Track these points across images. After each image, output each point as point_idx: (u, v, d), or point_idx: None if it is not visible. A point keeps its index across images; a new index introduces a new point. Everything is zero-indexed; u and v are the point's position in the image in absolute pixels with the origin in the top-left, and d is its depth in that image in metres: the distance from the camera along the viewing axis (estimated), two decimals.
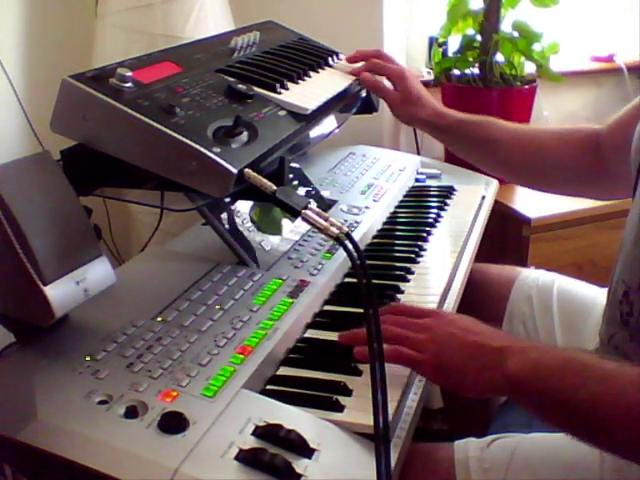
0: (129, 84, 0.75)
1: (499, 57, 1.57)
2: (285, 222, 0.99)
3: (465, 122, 1.08)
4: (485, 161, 1.13)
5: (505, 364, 0.66)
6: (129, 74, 0.75)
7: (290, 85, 0.93)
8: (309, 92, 0.94)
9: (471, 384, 0.68)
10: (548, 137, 1.07)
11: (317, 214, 0.70)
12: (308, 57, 1.05)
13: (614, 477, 0.72)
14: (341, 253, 0.90)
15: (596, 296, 1.03)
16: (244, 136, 0.77)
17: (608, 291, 0.86)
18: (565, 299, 1.06)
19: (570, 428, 0.65)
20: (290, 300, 0.79)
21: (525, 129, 1.12)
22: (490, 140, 1.08)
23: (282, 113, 0.86)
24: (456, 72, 1.62)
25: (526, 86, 1.58)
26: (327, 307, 0.85)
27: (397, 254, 1.00)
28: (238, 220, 0.92)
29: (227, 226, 0.88)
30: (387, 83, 1.13)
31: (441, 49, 1.67)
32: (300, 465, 0.56)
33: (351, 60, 1.12)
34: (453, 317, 0.75)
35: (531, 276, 1.11)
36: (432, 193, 1.24)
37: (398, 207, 1.18)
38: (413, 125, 1.15)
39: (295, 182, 1.08)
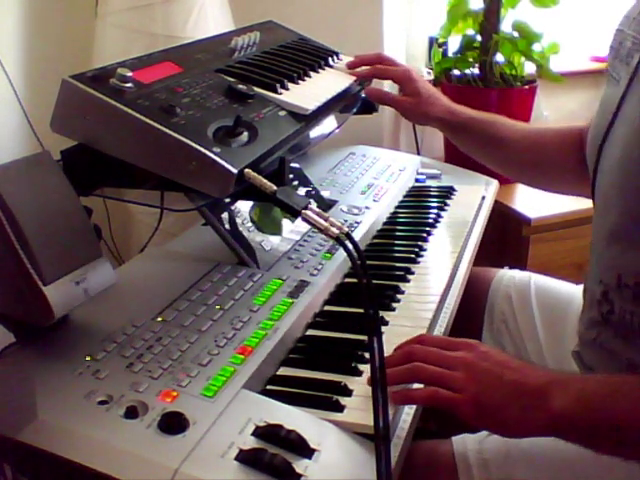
0: (129, 84, 0.75)
1: (499, 57, 1.57)
2: (285, 222, 0.99)
3: (475, 120, 1.09)
4: (492, 159, 1.13)
5: (549, 403, 0.63)
6: (129, 74, 0.75)
7: (290, 85, 0.93)
8: (309, 92, 0.94)
9: (514, 426, 0.65)
10: (550, 136, 1.07)
11: (317, 214, 0.70)
12: (308, 57, 1.05)
13: (610, 463, 0.71)
14: (341, 253, 0.90)
15: (573, 292, 1.04)
16: (244, 136, 0.77)
17: (583, 293, 0.86)
18: (543, 296, 1.06)
19: (632, 456, 0.64)
20: (290, 300, 0.79)
21: (530, 128, 1.12)
22: (498, 139, 1.08)
23: (282, 113, 0.86)
24: (456, 72, 1.63)
25: (526, 86, 1.58)
26: (327, 307, 0.85)
27: (397, 254, 1.00)
28: (238, 220, 0.92)
29: (227, 226, 0.88)
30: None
31: (441, 49, 1.67)
32: (300, 465, 0.56)
33: (352, 66, 1.11)
34: (486, 349, 0.70)
35: (507, 275, 1.11)
36: (432, 193, 1.24)
37: (398, 207, 1.18)
38: (426, 124, 1.15)
39: (295, 182, 1.08)
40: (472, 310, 1.09)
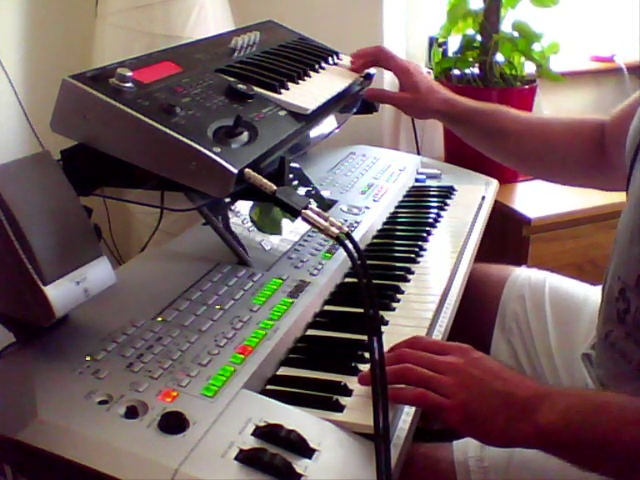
0: (129, 84, 0.75)
1: (499, 57, 1.57)
2: (285, 222, 0.99)
3: (477, 111, 1.09)
4: (495, 151, 1.13)
5: (535, 417, 0.63)
6: (129, 74, 0.75)
7: (290, 85, 0.93)
8: (309, 92, 0.94)
9: (499, 436, 0.64)
10: (557, 128, 1.06)
11: (317, 214, 0.70)
12: (308, 57, 1.05)
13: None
14: (341, 253, 0.90)
15: (587, 294, 1.03)
16: (244, 136, 0.77)
17: (603, 288, 0.86)
18: (557, 297, 1.06)
19: (612, 473, 0.63)
20: (290, 300, 0.79)
21: (535, 120, 1.12)
22: (500, 130, 1.08)
23: (282, 113, 0.86)
24: (456, 72, 1.63)
25: (526, 86, 1.58)
26: (327, 307, 0.85)
27: (397, 254, 1.00)
28: (238, 220, 0.92)
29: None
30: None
31: (441, 49, 1.67)
32: (300, 465, 0.56)
33: (353, 64, 1.12)
34: (478, 356, 0.69)
35: (523, 275, 1.11)
36: (432, 193, 1.24)
37: (398, 207, 1.18)
38: (427, 117, 1.16)
39: (295, 182, 1.08)
40: (485, 307, 1.09)
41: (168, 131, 0.71)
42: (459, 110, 1.08)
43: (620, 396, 0.66)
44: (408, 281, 0.91)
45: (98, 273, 0.67)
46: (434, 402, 0.65)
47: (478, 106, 1.09)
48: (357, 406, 0.65)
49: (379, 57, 1.11)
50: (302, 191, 1.08)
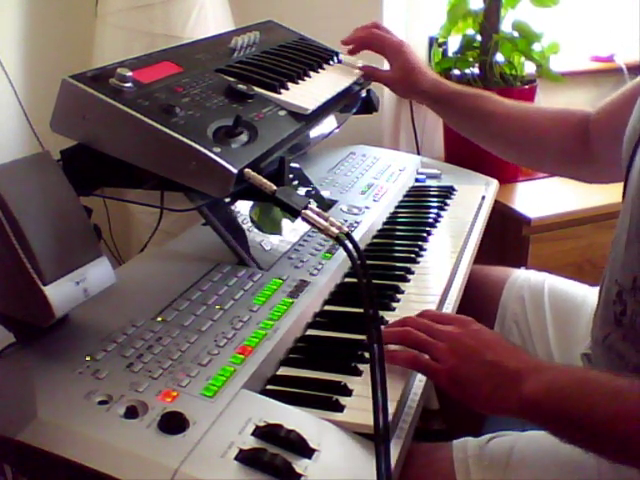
0: (129, 84, 0.75)
1: (499, 57, 1.57)
2: (285, 222, 0.99)
3: (461, 94, 1.10)
4: (477, 134, 1.14)
5: (521, 386, 0.65)
6: (129, 74, 0.75)
7: (290, 85, 0.93)
8: (309, 92, 0.94)
9: (485, 401, 0.67)
10: (542, 117, 1.07)
11: (317, 214, 0.70)
12: (308, 57, 1.05)
13: (611, 472, 0.72)
14: (341, 253, 0.90)
15: (586, 295, 1.04)
16: (244, 136, 0.77)
17: (600, 291, 0.86)
18: (556, 298, 1.06)
19: (590, 447, 0.65)
20: (290, 300, 0.79)
21: (520, 106, 1.12)
22: (484, 113, 1.09)
23: (282, 113, 0.86)
24: (456, 72, 1.62)
25: (526, 86, 1.58)
26: (327, 307, 0.85)
27: (397, 254, 1.00)
28: (238, 220, 0.92)
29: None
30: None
31: (441, 49, 1.67)
32: (300, 465, 0.56)
33: (347, 42, 1.13)
34: (477, 328, 0.73)
35: (522, 276, 1.11)
36: (432, 193, 1.24)
37: (398, 207, 1.18)
38: (411, 98, 1.16)
39: (295, 182, 1.08)
40: (485, 308, 1.09)
41: (168, 131, 0.71)
42: (445, 92, 1.09)
43: (604, 374, 0.67)
44: (408, 281, 0.91)
45: (98, 273, 0.67)
46: (424, 365, 0.70)
47: (463, 89, 1.11)
48: (357, 406, 0.65)
49: (371, 36, 1.11)
50: (302, 191, 1.08)
